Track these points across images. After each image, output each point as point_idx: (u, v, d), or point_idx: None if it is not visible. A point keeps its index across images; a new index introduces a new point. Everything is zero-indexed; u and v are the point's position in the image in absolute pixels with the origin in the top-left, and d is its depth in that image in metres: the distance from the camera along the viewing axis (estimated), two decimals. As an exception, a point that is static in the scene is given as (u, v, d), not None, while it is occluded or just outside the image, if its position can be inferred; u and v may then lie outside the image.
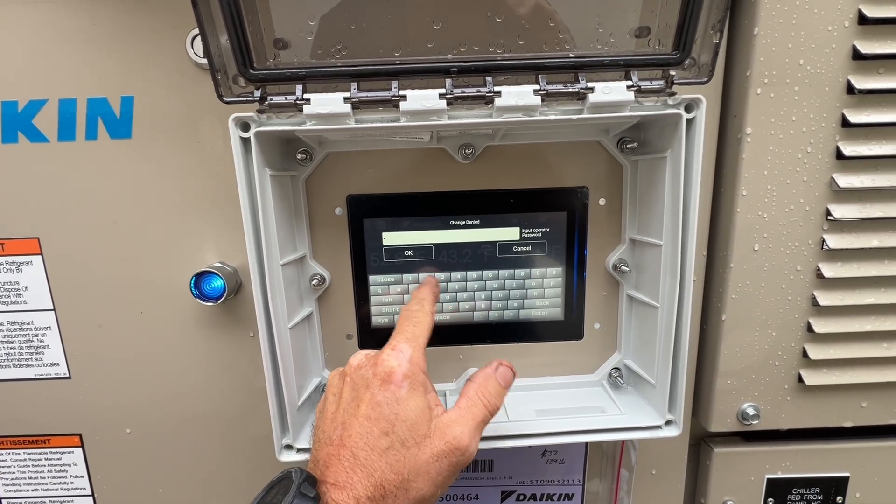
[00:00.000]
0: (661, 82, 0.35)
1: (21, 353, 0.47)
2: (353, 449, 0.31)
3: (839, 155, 0.42)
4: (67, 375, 0.47)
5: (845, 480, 0.51)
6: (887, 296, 0.45)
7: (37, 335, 0.46)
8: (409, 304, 0.38)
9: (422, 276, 0.45)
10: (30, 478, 0.50)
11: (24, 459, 0.49)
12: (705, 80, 0.36)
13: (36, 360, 0.47)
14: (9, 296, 0.45)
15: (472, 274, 0.45)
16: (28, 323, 0.46)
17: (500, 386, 0.36)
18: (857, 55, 0.40)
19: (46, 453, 0.49)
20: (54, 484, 0.50)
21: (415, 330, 0.36)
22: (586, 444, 0.50)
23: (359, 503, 0.30)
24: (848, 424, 0.49)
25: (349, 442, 0.32)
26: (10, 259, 0.45)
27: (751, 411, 0.48)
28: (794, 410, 0.48)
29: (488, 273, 0.45)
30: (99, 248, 0.45)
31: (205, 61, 0.40)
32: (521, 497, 0.52)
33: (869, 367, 0.47)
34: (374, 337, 0.46)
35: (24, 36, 0.40)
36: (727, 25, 0.42)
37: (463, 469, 0.34)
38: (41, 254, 0.45)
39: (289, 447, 0.40)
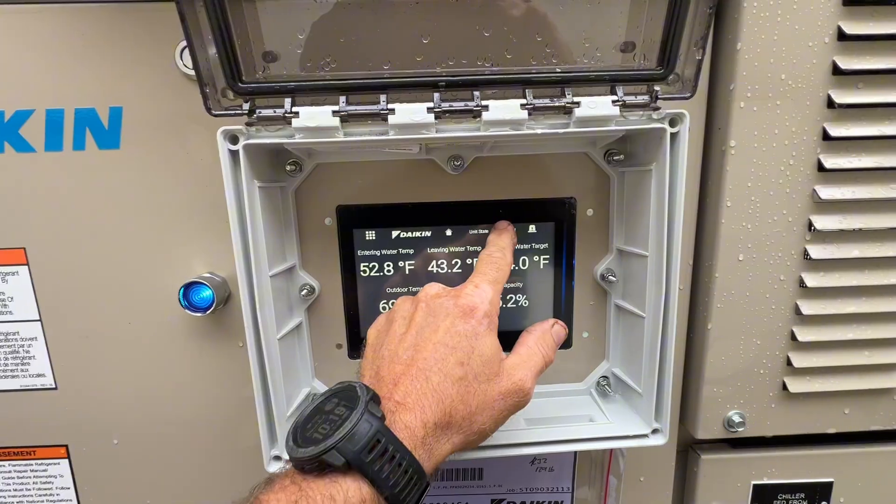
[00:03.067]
0: (646, 97, 0.36)
1: (6, 364, 0.46)
2: (427, 371, 0.31)
3: (820, 167, 0.43)
4: (54, 386, 0.47)
5: (829, 486, 0.52)
6: (868, 305, 0.46)
7: (23, 346, 0.46)
8: (490, 249, 0.39)
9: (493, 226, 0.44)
10: (15, 490, 0.49)
11: (9, 471, 0.49)
12: (689, 95, 0.37)
13: (22, 370, 0.46)
14: (-6, 306, 0.45)
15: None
16: (14, 334, 0.45)
17: (554, 342, 0.38)
18: (836, 70, 0.41)
19: (32, 465, 0.49)
20: (40, 496, 0.49)
21: (497, 275, 0.36)
22: (575, 452, 0.50)
23: (426, 427, 0.30)
24: (831, 431, 0.50)
25: (422, 363, 0.32)
26: (-5, 269, 0.44)
27: (737, 418, 0.49)
28: (779, 417, 0.49)
29: (477, 283, 0.45)
30: (86, 259, 0.44)
31: (193, 72, 0.40)
32: (511, 503, 0.52)
33: (851, 375, 0.48)
34: (363, 346, 0.46)
35: (10, 45, 0.40)
36: (711, 41, 0.43)
37: (519, 410, 0.35)
38: (27, 264, 0.44)
39: (277, 458, 0.40)
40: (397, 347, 0.33)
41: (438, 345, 0.32)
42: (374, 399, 0.30)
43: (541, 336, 0.37)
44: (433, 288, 0.36)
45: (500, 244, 0.39)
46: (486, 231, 0.44)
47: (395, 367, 0.32)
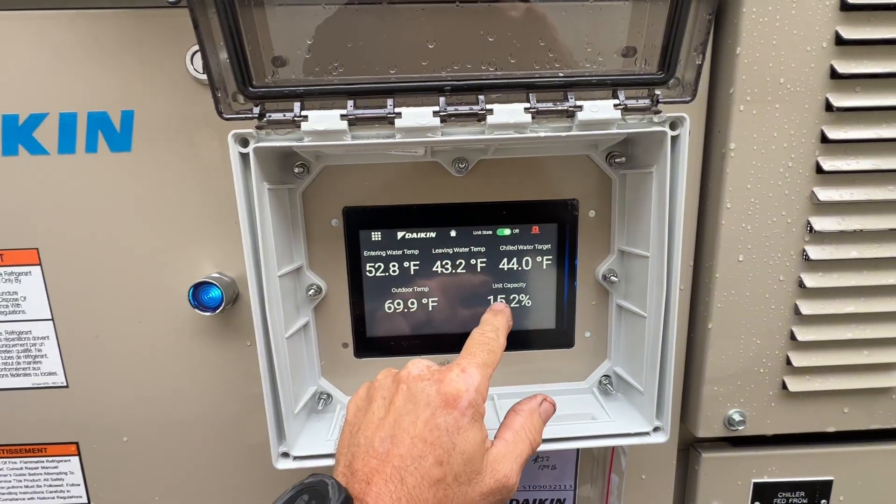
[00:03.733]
0: (647, 101, 0.37)
1: (19, 363, 0.47)
2: (402, 471, 0.29)
3: (819, 169, 0.44)
4: (65, 384, 0.48)
5: (829, 484, 0.52)
6: (866, 305, 0.46)
7: (35, 344, 0.47)
8: (483, 328, 0.37)
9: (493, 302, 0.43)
10: (26, 486, 0.50)
11: (21, 468, 0.50)
12: (689, 98, 0.37)
13: (34, 369, 0.47)
14: (7, 306, 0.46)
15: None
16: (26, 332, 0.46)
17: (542, 423, 0.36)
18: (834, 74, 0.42)
19: (43, 462, 0.49)
20: (50, 493, 0.50)
21: (487, 357, 0.34)
22: (577, 450, 0.51)
23: None
24: (831, 429, 0.50)
25: (397, 461, 0.29)
26: (9, 269, 0.45)
27: (737, 417, 0.49)
28: (779, 416, 0.50)
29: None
30: (97, 259, 0.45)
31: (204, 76, 0.41)
32: (514, 502, 0.52)
33: (850, 374, 0.48)
34: (370, 346, 0.47)
35: (25, 50, 0.41)
36: (711, 46, 0.43)
37: None
38: (40, 264, 0.45)
39: (285, 455, 0.41)
40: (373, 436, 0.31)
41: (416, 439, 0.30)
42: (346, 501, 0.28)
43: (528, 418, 0.35)
44: (416, 367, 0.33)
45: (494, 324, 0.37)
46: (490, 232, 0.45)
47: (369, 462, 0.30)
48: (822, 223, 0.45)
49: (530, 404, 0.36)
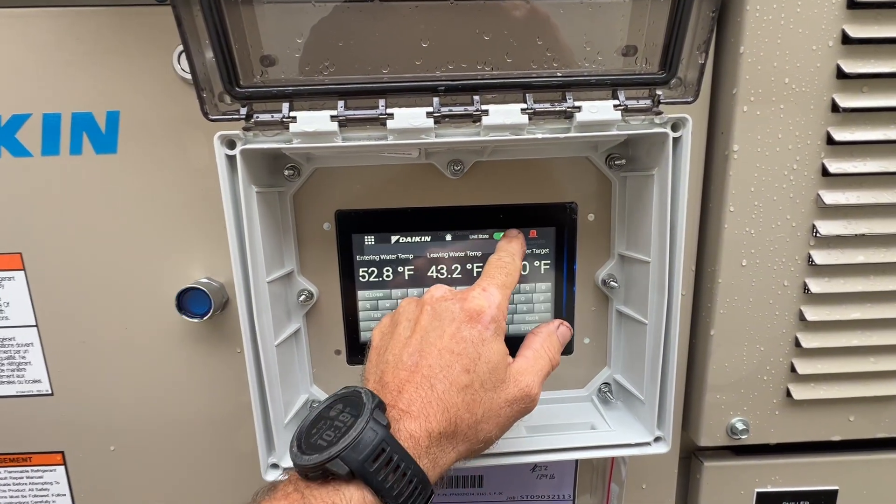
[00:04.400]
0: (648, 101, 0.36)
1: (2, 370, 0.46)
2: (431, 378, 0.30)
3: (825, 172, 0.43)
4: (50, 392, 0.46)
5: (834, 494, 0.51)
6: (873, 311, 0.45)
7: (18, 351, 0.45)
8: (500, 254, 0.38)
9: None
10: (11, 496, 0.49)
11: (5, 477, 0.48)
12: (691, 99, 0.36)
13: (18, 376, 0.46)
14: (-10, 312, 0.45)
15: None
16: (10, 339, 0.45)
17: (559, 344, 0.38)
18: (841, 74, 0.41)
19: (28, 471, 0.48)
20: (35, 502, 0.49)
21: (506, 279, 0.36)
22: (577, 459, 0.50)
23: (430, 437, 0.29)
24: (836, 438, 0.49)
25: (427, 371, 0.31)
26: (-9, 274, 0.44)
27: (740, 426, 0.48)
28: (783, 425, 0.49)
29: (477, 288, 0.45)
30: (83, 264, 0.44)
31: (191, 77, 0.40)
32: (512, 512, 0.51)
33: (856, 382, 0.47)
34: (363, 353, 0.46)
35: (7, 49, 0.40)
36: (713, 45, 0.42)
37: (526, 415, 0.34)
38: (24, 269, 0.44)
39: (275, 466, 0.39)
40: (401, 352, 0.32)
41: (444, 350, 0.31)
42: (380, 406, 0.29)
43: (546, 338, 0.37)
44: (439, 290, 0.35)
45: (510, 249, 0.39)
46: (486, 237, 0.44)
47: (399, 373, 0.31)
48: (827, 227, 0.44)
49: (549, 327, 0.38)
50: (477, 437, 0.31)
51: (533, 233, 0.44)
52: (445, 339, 0.32)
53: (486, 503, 0.51)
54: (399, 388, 0.31)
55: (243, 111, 0.35)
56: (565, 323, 0.39)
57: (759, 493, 0.51)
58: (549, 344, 0.36)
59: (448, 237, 0.44)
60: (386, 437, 0.28)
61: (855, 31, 0.40)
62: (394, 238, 0.44)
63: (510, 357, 0.34)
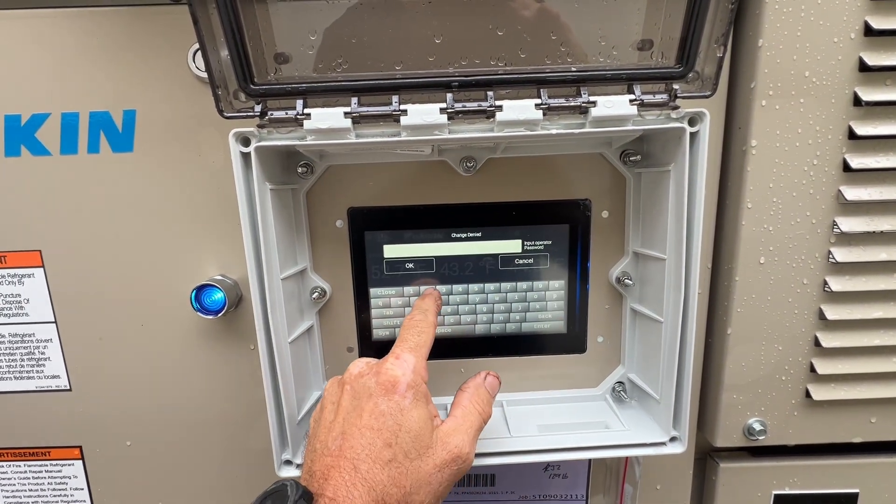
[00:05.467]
0: (665, 96, 0.35)
1: (22, 366, 0.47)
2: (354, 460, 0.30)
3: (846, 167, 0.42)
4: (68, 388, 0.47)
5: (854, 497, 0.50)
6: (896, 310, 0.44)
7: (38, 347, 0.46)
8: (412, 314, 0.38)
9: (423, 288, 0.44)
10: (30, 490, 0.50)
11: (25, 471, 0.49)
12: (709, 93, 0.36)
13: (37, 372, 0.47)
14: (10, 308, 0.45)
15: (474, 287, 0.45)
16: (29, 335, 0.46)
17: (489, 395, 0.37)
18: (863, 67, 0.40)
19: (47, 465, 0.49)
20: (54, 496, 0.50)
21: (418, 339, 0.36)
22: (590, 459, 0.49)
23: None
24: (857, 440, 0.48)
25: (349, 453, 0.31)
26: (11, 271, 0.45)
27: (757, 426, 0.47)
28: (802, 425, 0.48)
29: (490, 286, 0.45)
30: (100, 261, 0.45)
31: (206, 74, 0.40)
32: (524, 512, 0.51)
33: (878, 382, 0.46)
34: (375, 349, 0.46)
35: (27, 51, 0.41)
36: (731, 38, 0.42)
37: (462, 477, 0.34)
38: (43, 266, 0.45)
39: (288, 462, 0.40)
40: (326, 438, 0.32)
41: (364, 429, 0.31)
42: (304, 496, 0.29)
43: (474, 393, 0.36)
44: (356, 367, 0.35)
45: (422, 307, 0.38)
46: (500, 233, 0.44)
47: (325, 460, 0.31)
48: (849, 224, 0.43)
49: (475, 381, 0.38)
50: None
51: (546, 230, 0.44)
52: (365, 417, 0.32)
53: (499, 502, 0.51)
54: (325, 475, 0.30)
55: (258, 108, 0.35)
56: (491, 373, 0.38)
57: (776, 496, 0.50)
58: (478, 398, 0.36)
59: (461, 234, 0.44)
60: None
61: (878, 23, 0.39)
62: (406, 235, 0.44)
63: (439, 419, 0.34)
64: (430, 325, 0.37)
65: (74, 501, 0.50)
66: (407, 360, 0.34)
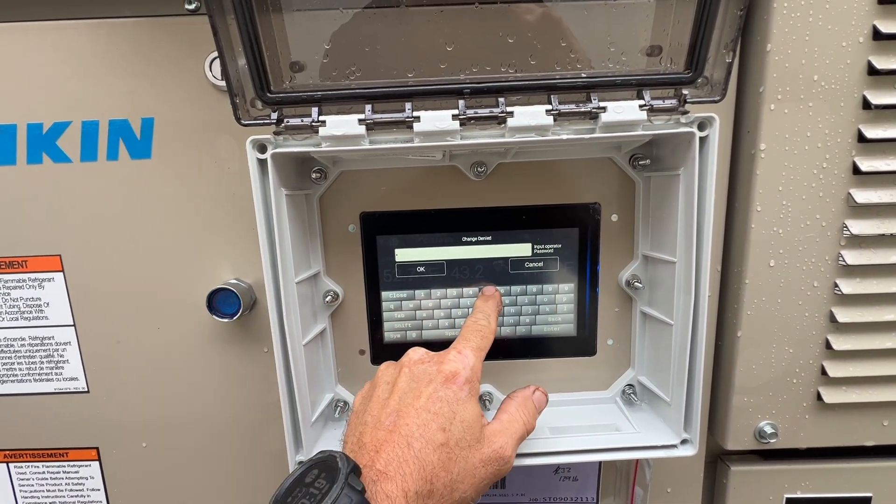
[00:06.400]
0: (674, 101, 0.36)
1: (42, 368, 0.47)
2: (408, 437, 0.31)
3: (856, 170, 0.42)
4: (86, 390, 0.48)
5: (868, 501, 0.50)
6: (908, 312, 0.44)
7: (57, 350, 0.47)
8: (476, 317, 0.39)
9: (482, 289, 0.44)
10: (48, 490, 0.51)
11: (43, 472, 0.50)
12: (718, 98, 0.36)
13: (56, 374, 0.48)
14: (31, 312, 0.46)
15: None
16: (49, 338, 0.47)
17: (535, 409, 0.38)
18: (872, 70, 0.40)
19: (64, 466, 0.50)
20: (71, 497, 0.51)
21: (481, 342, 0.37)
22: (600, 461, 0.50)
23: (407, 497, 0.29)
24: (869, 443, 0.48)
25: (404, 430, 0.31)
26: (32, 276, 0.46)
27: (768, 429, 0.47)
28: (814, 429, 0.47)
29: (500, 289, 0.45)
30: (118, 265, 0.45)
31: (222, 83, 0.41)
32: (534, 514, 0.51)
33: (890, 385, 0.46)
34: (386, 352, 0.46)
35: (49, 61, 0.42)
36: (739, 43, 0.42)
37: (499, 480, 0.35)
38: (63, 271, 0.46)
39: (302, 464, 0.40)
40: (380, 413, 0.33)
41: (421, 410, 0.32)
42: (355, 471, 0.29)
43: (522, 402, 0.37)
44: (416, 353, 0.36)
45: (485, 311, 0.40)
46: (510, 237, 0.44)
47: (377, 434, 0.32)
48: (859, 226, 0.43)
49: (525, 392, 0.38)
50: (452, 496, 0.32)
51: (556, 233, 0.44)
52: (422, 400, 0.33)
53: (509, 504, 0.51)
54: (377, 448, 0.31)
55: (274, 116, 0.36)
56: (541, 388, 0.39)
57: (788, 500, 0.50)
58: (525, 409, 0.37)
59: (471, 238, 0.44)
60: (361, 502, 0.28)
61: (886, 27, 0.39)
62: (417, 239, 0.44)
63: (485, 419, 0.35)
64: (491, 331, 0.38)
65: (91, 502, 0.51)
66: (468, 357, 0.35)
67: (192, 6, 0.41)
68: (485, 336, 0.38)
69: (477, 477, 0.33)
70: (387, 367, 0.37)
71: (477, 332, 0.37)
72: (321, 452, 0.31)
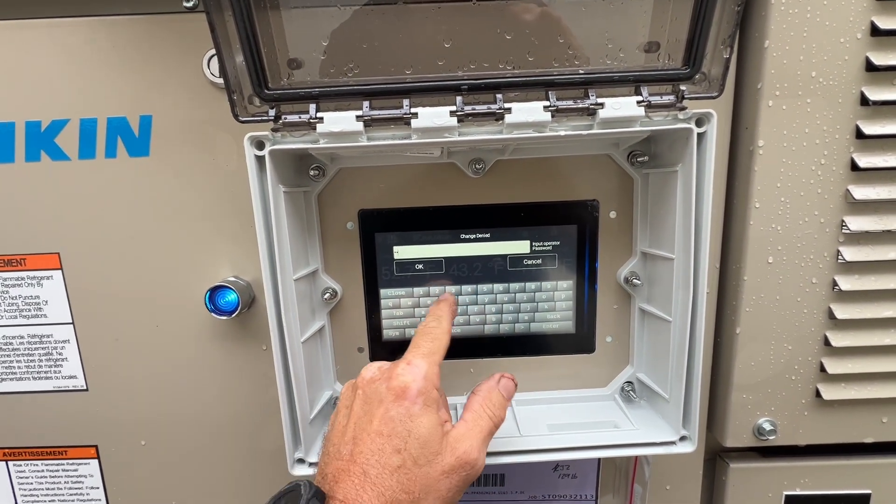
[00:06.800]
0: (672, 97, 0.36)
1: (41, 366, 0.48)
2: (364, 466, 0.31)
3: (854, 166, 0.42)
4: (85, 388, 0.48)
5: (867, 498, 0.50)
6: (907, 309, 0.44)
7: (56, 348, 0.47)
8: (427, 320, 0.38)
9: (436, 290, 0.45)
10: (47, 488, 0.51)
11: (42, 470, 0.50)
12: (716, 94, 0.36)
13: (55, 372, 0.48)
14: (30, 309, 0.46)
15: (483, 287, 0.45)
16: (48, 336, 0.47)
17: (503, 398, 0.37)
18: (870, 66, 0.40)
19: (63, 464, 0.50)
20: (70, 495, 0.51)
21: (431, 346, 0.36)
22: (599, 459, 0.50)
23: None
24: (868, 440, 0.48)
25: (360, 458, 0.31)
26: (31, 274, 0.46)
27: (767, 426, 0.47)
28: (812, 425, 0.47)
29: (499, 286, 0.45)
30: (117, 263, 0.45)
31: (220, 80, 0.41)
32: (533, 512, 0.51)
33: (889, 382, 0.46)
34: (385, 349, 0.46)
35: (47, 58, 0.42)
36: (737, 39, 0.42)
37: (472, 483, 0.34)
38: (61, 268, 0.46)
39: (301, 461, 0.40)
40: (339, 442, 0.33)
41: (374, 435, 0.32)
42: (318, 496, 0.30)
43: (486, 396, 0.36)
44: (369, 371, 0.36)
45: (436, 313, 0.39)
46: (508, 234, 0.44)
47: (337, 465, 0.32)
48: (858, 223, 0.43)
49: (489, 383, 0.37)
50: None
51: (554, 231, 0.44)
52: (375, 423, 0.32)
53: (508, 502, 0.51)
54: (335, 478, 0.31)
55: (272, 113, 0.36)
56: (506, 375, 0.38)
57: (787, 496, 0.50)
58: (489, 402, 0.36)
59: (470, 235, 0.44)
60: None
61: (884, 23, 0.39)
62: (416, 236, 0.44)
63: (449, 423, 0.34)
64: (444, 331, 0.37)
65: (90, 500, 0.51)
66: (418, 367, 0.34)
67: (190, 3, 0.41)
68: (435, 338, 0.36)
69: (442, 490, 0.32)
70: (346, 390, 0.37)
71: (426, 336, 0.36)
72: (290, 483, 0.32)
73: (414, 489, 0.31)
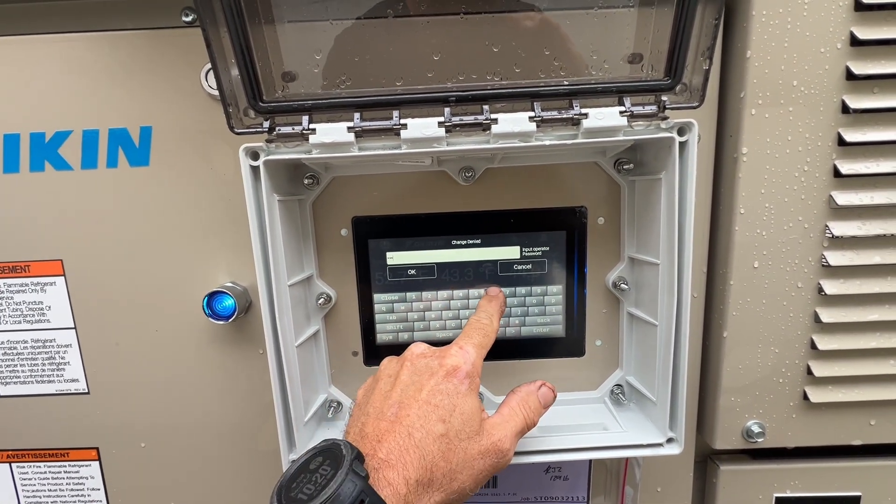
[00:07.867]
0: (654, 107, 0.37)
1: (44, 370, 0.49)
2: (409, 427, 0.32)
3: (836, 173, 0.43)
4: (86, 391, 0.49)
5: (857, 500, 0.50)
6: (891, 312, 0.45)
7: (58, 352, 0.48)
8: (478, 315, 0.40)
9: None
10: (49, 490, 0.52)
11: (44, 472, 0.51)
12: (696, 104, 0.37)
13: (57, 376, 0.49)
14: (33, 315, 0.48)
15: (474, 292, 0.46)
16: (51, 341, 0.48)
17: (539, 404, 0.38)
18: (850, 76, 0.41)
19: (65, 466, 0.51)
20: (72, 496, 0.52)
21: (482, 340, 0.38)
22: (590, 461, 0.50)
23: (408, 484, 0.30)
24: (857, 443, 0.48)
25: (406, 420, 0.32)
26: (35, 280, 0.47)
27: (756, 429, 0.48)
28: (801, 428, 0.48)
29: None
30: (117, 270, 0.47)
31: (218, 93, 0.43)
32: (526, 514, 0.52)
33: (876, 385, 0.46)
34: (379, 353, 0.47)
35: (51, 72, 0.43)
36: (720, 50, 0.43)
37: (498, 472, 0.35)
38: (64, 275, 0.47)
39: (307, 451, 0.41)
40: (382, 405, 0.34)
41: (422, 402, 0.33)
42: (359, 457, 0.30)
43: (524, 397, 0.38)
44: (418, 348, 0.37)
45: (489, 310, 0.41)
46: (499, 240, 0.45)
47: (380, 424, 0.33)
48: (841, 228, 0.43)
49: (529, 387, 0.39)
50: (451, 486, 0.32)
51: (544, 237, 0.45)
52: (424, 392, 0.34)
53: (501, 504, 0.52)
54: (379, 437, 0.32)
55: (266, 124, 0.37)
56: (547, 384, 0.39)
57: (777, 499, 0.51)
58: (526, 403, 0.37)
59: (461, 241, 0.45)
60: (364, 488, 0.28)
61: (863, 33, 0.40)
62: (408, 243, 0.45)
63: (486, 413, 0.36)
64: (493, 330, 0.39)
65: (91, 501, 0.52)
66: (469, 353, 0.36)
67: (189, 18, 0.43)
68: (486, 334, 0.38)
69: (475, 468, 0.33)
70: (389, 362, 0.38)
71: (479, 330, 0.38)
72: (325, 441, 0.32)
73: (452, 459, 0.32)
